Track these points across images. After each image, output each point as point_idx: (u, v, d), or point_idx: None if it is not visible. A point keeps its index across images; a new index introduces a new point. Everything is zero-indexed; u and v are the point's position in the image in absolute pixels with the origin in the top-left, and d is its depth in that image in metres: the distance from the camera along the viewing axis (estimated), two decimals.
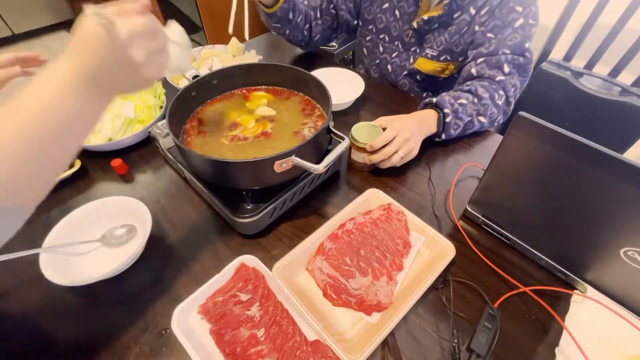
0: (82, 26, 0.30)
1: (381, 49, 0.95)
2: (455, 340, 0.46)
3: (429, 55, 0.85)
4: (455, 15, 0.78)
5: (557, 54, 1.18)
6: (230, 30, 0.75)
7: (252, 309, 0.48)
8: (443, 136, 0.72)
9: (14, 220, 0.31)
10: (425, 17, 0.79)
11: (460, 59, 0.84)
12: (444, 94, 0.74)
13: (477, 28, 0.77)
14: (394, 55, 0.93)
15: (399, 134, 0.64)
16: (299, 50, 1.12)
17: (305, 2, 0.97)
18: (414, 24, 0.83)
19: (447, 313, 0.49)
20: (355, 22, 0.98)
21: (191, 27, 2.44)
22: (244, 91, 0.73)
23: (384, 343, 0.46)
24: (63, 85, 0.30)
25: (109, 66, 0.31)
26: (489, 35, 0.75)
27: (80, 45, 0.30)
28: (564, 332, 0.45)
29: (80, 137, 0.33)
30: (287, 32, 0.94)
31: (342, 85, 0.87)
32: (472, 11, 0.76)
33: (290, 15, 0.89)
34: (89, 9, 0.29)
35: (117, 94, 0.35)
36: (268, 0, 0.84)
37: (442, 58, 0.84)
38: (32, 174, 0.31)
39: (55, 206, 0.64)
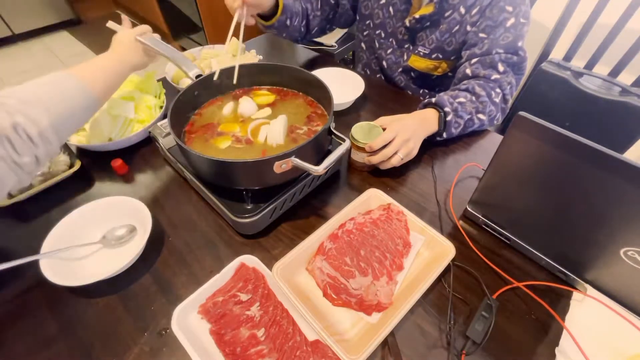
0: (122, 37, 0.66)
1: (377, 44, 0.96)
2: (451, 323, 0.46)
3: (421, 53, 0.86)
4: (447, 14, 0.79)
5: (557, 54, 1.18)
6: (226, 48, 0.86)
7: (252, 309, 0.48)
8: (444, 135, 0.72)
9: (91, 109, 0.56)
10: (417, 16, 0.80)
11: (452, 57, 0.85)
12: (442, 93, 0.74)
13: (469, 28, 0.77)
14: (389, 51, 0.94)
15: (398, 135, 0.64)
16: (299, 51, 1.12)
17: None
18: (406, 22, 0.83)
19: (447, 313, 0.49)
20: (350, 12, 0.99)
21: (191, 27, 2.44)
22: (241, 91, 0.73)
23: (384, 343, 0.46)
24: (111, 60, 0.62)
25: (130, 54, 0.65)
26: (482, 35, 0.75)
27: (116, 45, 0.66)
28: (564, 332, 0.45)
29: (116, 85, 0.62)
30: (284, 34, 0.96)
31: (342, 85, 0.87)
32: (462, 10, 0.77)
33: (288, 22, 0.91)
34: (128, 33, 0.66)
35: (131, 66, 0.65)
36: (266, 14, 0.86)
37: (433, 56, 0.85)
38: (106, 97, 0.60)
39: (55, 206, 0.64)
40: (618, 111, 1.00)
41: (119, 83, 0.62)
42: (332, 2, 0.98)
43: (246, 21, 0.76)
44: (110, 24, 0.69)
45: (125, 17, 0.71)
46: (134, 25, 0.70)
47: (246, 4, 0.73)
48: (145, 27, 0.69)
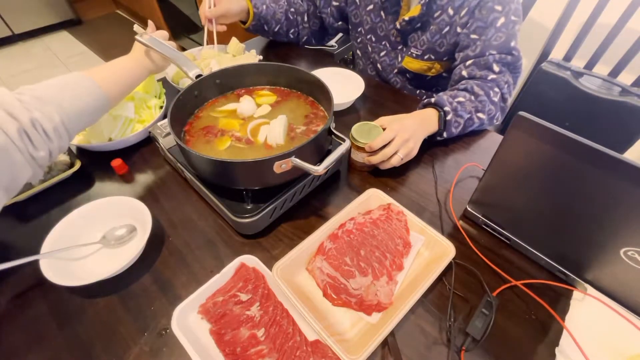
0: (137, 45, 0.68)
1: (369, 49, 0.98)
2: (451, 320, 0.46)
3: (414, 55, 0.87)
4: (436, 15, 0.79)
5: (557, 54, 1.17)
6: (205, 45, 0.96)
7: (252, 309, 0.48)
8: (445, 134, 0.72)
9: (103, 108, 0.58)
10: (407, 18, 0.81)
11: (445, 58, 0.85)
12: (441, 93, 0.74)
13: (459, 30, 0.78)
14: (382, 54, 0.96)
15: (398, 135, 0.64)
16: (299, 51, 1.12)
17: (292, 10, 1.03)
18: (397, 24, 0.84)
19: (446, 312, 0.49)
20: (339, 23, 1.03)
21: (191, 27, 2.44)
22: (243, 91, 0.73)
23: (384, 343, 0.46)
24: (129, 63, 0.64)
25: (147, 57, 0.67)
26: (473, 36, 0.75)
27: (136, 48, 0.68)
28: (564, 331, 0.45)
29: (131, 87, 0.65)
30: (270, 37, 1.08)
31: (342, 85, 0.87)
32: (451, 12, 0.77)
33: (265, 27, 1.01)
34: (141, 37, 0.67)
35: (147, 69, 0.67)
36: (244, 20, 0.99)
37: (426, 57, 0.86)
38: (119, 98, 0.62)
39: (55, 206, 0.64)
40: (618, 111, 1.00)
41: (135, 85, 0.65)
42: (320, 15, 1.02)
43: (217, 29, 0.93)
44: (136, 28, 0.71)
45: (150, 22, 0.73)
46: (157, 28, 0.72)
47: (209, 20, 0.91)
48: (163, 33, 0.71)
